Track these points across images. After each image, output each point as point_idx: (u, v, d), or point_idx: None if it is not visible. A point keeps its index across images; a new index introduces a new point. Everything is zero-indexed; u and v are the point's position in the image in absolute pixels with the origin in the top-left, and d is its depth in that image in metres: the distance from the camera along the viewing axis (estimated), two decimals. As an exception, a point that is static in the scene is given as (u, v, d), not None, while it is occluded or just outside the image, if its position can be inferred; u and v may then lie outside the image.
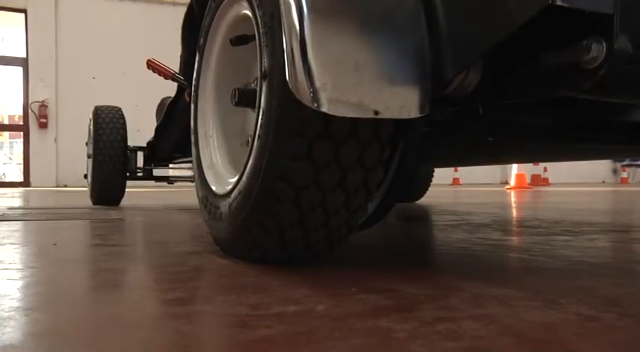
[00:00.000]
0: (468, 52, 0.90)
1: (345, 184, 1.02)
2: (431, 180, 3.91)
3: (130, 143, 3.67)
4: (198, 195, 1.43)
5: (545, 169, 12.76)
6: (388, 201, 1.16)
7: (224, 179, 1.34)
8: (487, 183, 13.74)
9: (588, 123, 1.34)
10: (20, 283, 0.99)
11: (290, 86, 0.92)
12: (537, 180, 11.45)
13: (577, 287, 0.96)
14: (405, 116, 0.92)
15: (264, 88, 1.05)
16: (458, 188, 9.44)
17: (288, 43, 0.94)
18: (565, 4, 0.74)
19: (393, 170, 1.10)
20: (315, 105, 0.88)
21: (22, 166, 11.81)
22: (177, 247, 1.47)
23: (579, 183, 13.69)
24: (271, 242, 1.09)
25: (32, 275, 1.07)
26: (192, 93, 1.53)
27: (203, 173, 1.41)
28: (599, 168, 15.88)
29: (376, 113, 0.90)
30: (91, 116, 3.58)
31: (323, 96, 0.88)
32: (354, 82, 0.90)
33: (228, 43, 1.31)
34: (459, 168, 13.09)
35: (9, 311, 0.77)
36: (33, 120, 10.79)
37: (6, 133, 19.97)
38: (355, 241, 1.70)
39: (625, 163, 15.70)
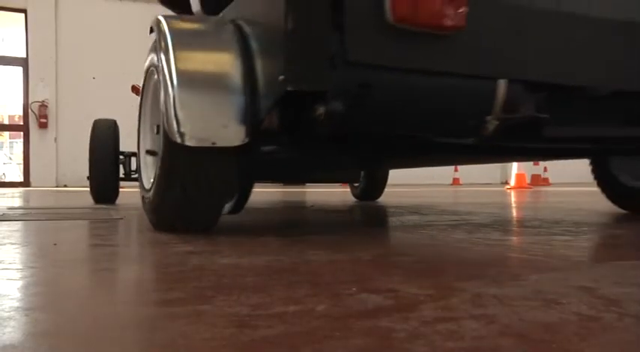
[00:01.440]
0: (266, 105, 1.53)
1: (206, 184, 1.65)
2: (386, 183, 4.52)
3: (130, 143, 3.83)
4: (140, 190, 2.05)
5: (545, 169, 12.74)
6: (244, 196, 1.88)
7: (149, 179, 1.90)
8: (487, 183, 13.73)
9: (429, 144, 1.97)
10: (20, 283, 0.99)
11: (167, 130, 1.58)
12: (537, 180, 11.43)
13: (577, 287, 0.96)
14: (230, 144, 1.55)
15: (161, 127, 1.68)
16: (458, 188, 9.45)
17: (164, 104, 1.60)
18: (293, 88, 1.32)
19: (243, 176, 1.78)
20: (180, 140, 1.54)
21: (22, 166, 11.80)
22: (177, 247, 1.47)
23: (579, 183, 13.68)
24: (166, 222, 1.78)
25: (32, 275, 1.07)
26: (138, 123, 2.15)
27: (141, 174, 2.08)
28: (599, 168, 15.81)
29: (213, 143, 1.54)
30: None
31: (185, 136, 1.53)
32: (202, 126, 1.56)
33: (156, 92, 1.88)
34: (459, 168, 13.10)
35: (9, 311, 0.77)
36: (33, 120, 10.78)
37: (6, 133, 19.96)
38: (355, 241, 1.70)
39: (625, 163, 15.65)
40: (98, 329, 0.70)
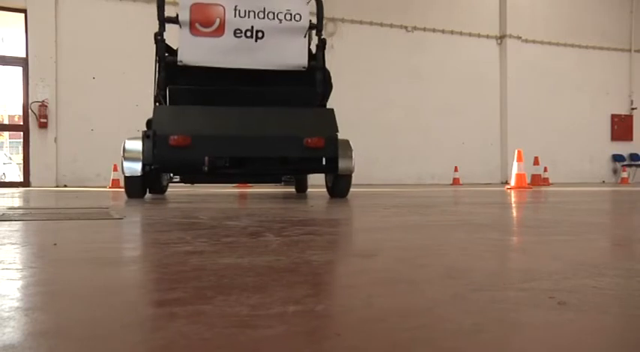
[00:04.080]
0: (144, 165, 4.66)
1: (135, 184, 4.90)
2: (307, 184, 6.96)
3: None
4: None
5: (545, 169, 12.74)
6: (146, 188, 5.27)
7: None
8: (487, 183, 13.74)
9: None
10: (20, 283, 0.99)
11: (122, 170, 4.79)
12: (537, 180, 11.43)
13: (578, 287, 0.96)
14: (138, 175, 4.68)
15: None
16: (458, 188, 9.45)
17: (121, 163, 4.77)
18: (145, 163, 4.63)
19: (149, 181, 5.31)
20: (125, 174, 4.73)
21: (22, 166, 11.80)
22: (177, 247, 1.47)
23: (579, 183, 13.69)
24: (128, 195, 4.97)
25: (32, 275, 1.07)
26: None
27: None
28: (598, 169, 15.89)
29: (133, 175, 4.71)
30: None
31: (125, 172, 4.71)
32: (130, 170, 4.70)
33: None
34: (458, 168, 13.11)
35: (9, 311, 0.77)
36: (33, 120, 10.79)
37: (6, 133, 19.98)
38: (355, 241, 1.70)
39: (625, 163, 15.71)
40: (98, 329, 0.70)
